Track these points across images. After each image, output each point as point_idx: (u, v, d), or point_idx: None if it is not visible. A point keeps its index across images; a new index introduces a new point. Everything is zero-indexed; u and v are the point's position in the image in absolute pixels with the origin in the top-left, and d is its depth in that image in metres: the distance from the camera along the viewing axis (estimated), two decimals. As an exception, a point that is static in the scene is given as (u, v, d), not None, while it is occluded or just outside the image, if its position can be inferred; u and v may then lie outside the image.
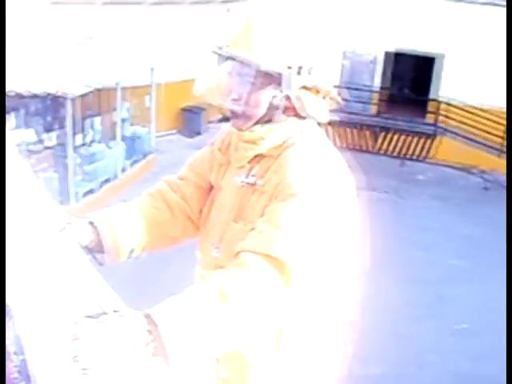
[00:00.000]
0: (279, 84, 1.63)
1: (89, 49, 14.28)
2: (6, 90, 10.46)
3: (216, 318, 1.34)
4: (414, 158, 18.15)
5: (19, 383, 1.83)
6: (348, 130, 18.72)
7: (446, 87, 17.40)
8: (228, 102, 1.69)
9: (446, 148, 17.28)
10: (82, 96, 12.89)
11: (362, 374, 8.67)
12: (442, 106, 17.49)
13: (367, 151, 18.52)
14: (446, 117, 17.35)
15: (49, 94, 11.71)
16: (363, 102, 18.63)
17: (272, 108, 1.66)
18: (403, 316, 10.09)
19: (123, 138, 14.19)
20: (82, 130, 13.71)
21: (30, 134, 12.01)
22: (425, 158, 18.04)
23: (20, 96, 11.52)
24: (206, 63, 1.79)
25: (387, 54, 18.56)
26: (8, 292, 2.03)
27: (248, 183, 1.71)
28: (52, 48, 13.67)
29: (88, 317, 1.21)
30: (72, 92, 11.78)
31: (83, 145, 13.52)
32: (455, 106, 17.00)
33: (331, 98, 1.76)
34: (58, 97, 12.32)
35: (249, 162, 1.74)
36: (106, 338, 1.22)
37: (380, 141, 18.50)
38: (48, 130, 12.95)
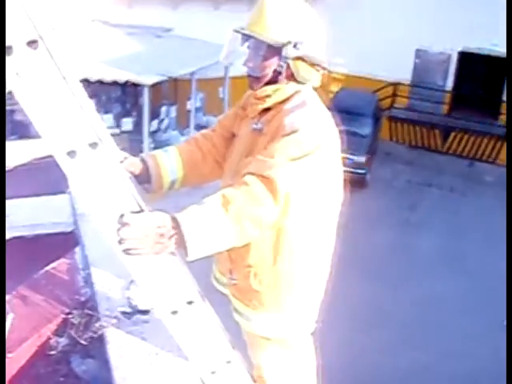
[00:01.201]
0: (281, 55, 2.11)
1: (167, 41, 15.04)
2: (89, 76, 11.27)
3: (220, 219, 1.83)
4: (484, 159, 18.01)
5: (84, 290, 2.38)
6: (418, 128, 18.76)
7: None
8: (246, 68, 2.20)
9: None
10: (159, 85, 13.60)
11: (411, 359, 9.03)
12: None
13: (436, 151, 18.52)
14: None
15: (127, 82, 12.43)
16: (435, 102, 18.63)
17: (276, 73, 2.17)
18: (454, 308, 10.31)
19: (196, 127, 14.80)
20: (158, 117, 14.48)
21: (107, 119, 12.77)
22: (494, 159, 17.86)
23: (101, 82, 12.29)
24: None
25: (461, 54, 18.47)
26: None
27: (256, 129, 2.22)
28: (133, 39, 14.50)
29: (131, 212, 1.73)
30: (149, 81, 12.46)
31: (158, 131, 14.27)
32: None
33: (323, 68, 2.22)
34: (137, 85, 13.10)
35: (259, 114, 2.25)
36: (143, 227, 1.72)
37: (450, 141, 18.44)
38: (126, 115, 13.79)
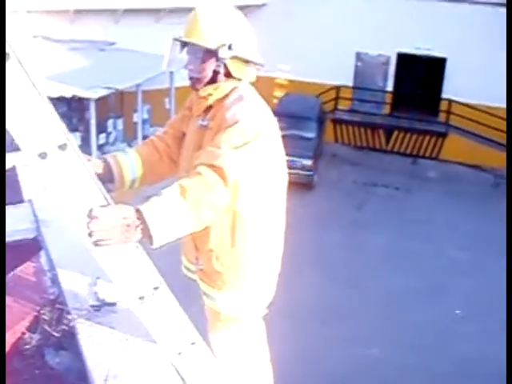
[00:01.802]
0: (217, 57, 2.32)
1: (111, 54, 15.08)
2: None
3: (179, 206, 2.04)
4: (427, 156, 18.62)
5: (52, 289, 2.51)
6: (362, 129, 19.27)
7: (454, 87, 17.92)
8: (187, 71, 2.41)
9: (457, 146, 17.74)
10: (105, 98, 13.65)
11: (363, 354, 9.32)
12: (453, 105, 17.96)
13: (380, 150, 19.05)
14: (457, 115, 17.77)
15: (74, 97, 12.44)
16: (376, 103, 19.19)
17: (215, 73, 2.42)
18: (404, 302, 10.68)
19: (144, 138, 14.86)
20: (105, 130, 14.52)
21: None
22: (437, 156, 18.51)
23: (48, 98, 12.25)
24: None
25: (399, 56, 19.08)
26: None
27: (203, 125, 2.46)
28: (76, 54, 14.49)
29: (100, 206, 1.88)
30: (95, 95, 12.51)
31: (106, 144, 14.33)
32: (465, 105, 17.44)
33: (256, 64, 2.44)
34: (82, 99, 13.12)
35: (203, 111, 2.49)
36: (111, 219, 1.89)
37: (393, 140, 19.00)
38: (73, 130, 13.77)
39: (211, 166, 2.13)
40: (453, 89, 18.20)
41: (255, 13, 20.00)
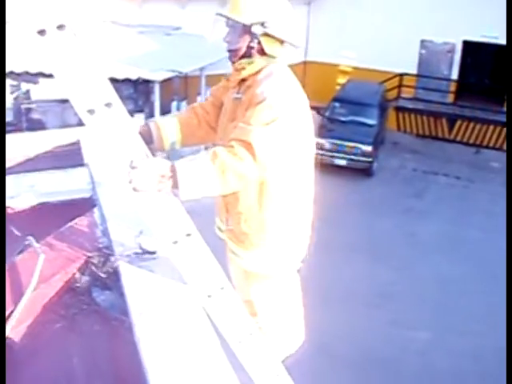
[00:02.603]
0: (251, 32, 2.55)
1: (176, 39, 15.51)
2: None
3: (207, 169, 2.29)
4: (490, 146, 18.31)
5: (102, 239, 2.82)
6: (424, 118, 19.10)
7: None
8: (226, 44, 2.68)
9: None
10: (169, 81, 14.07)
11: (410, 337, 9.42)
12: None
13: (443, 139, 18.85)
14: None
15: (139, 79, 12.90)
16: (440, 91, 18.97)
17: (250, 48, 2.64)
18: (456, 289, 10.66)
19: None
20: (169, 112, 14.94)
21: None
22: (501, 146, 18.16)
23: (114, 80, 12.75)
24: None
25: (465, 44, 18.78)
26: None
27: (237, 98, 2.70)
28: (143, 38, 14.97)
29: (140, 158, 2.16)
30: (159, 77, 12.93)
31: (169, 126, 14.75)
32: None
33: (291, 44, 2.65)
34: (148, 81, 13.58)
35: (238, 84, 2.72)
36: (148, 169, 2.15)
37: (456, 129, 18.76)
38: (138, 111, 14.27)
39: (242, 142, 2.36)
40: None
41: (322, 1, 20.09)
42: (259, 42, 2.61)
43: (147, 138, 2.67)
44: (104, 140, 2.09)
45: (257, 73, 2.64)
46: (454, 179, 15.98)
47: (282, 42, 2.63)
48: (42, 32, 1.88)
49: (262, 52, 2.63)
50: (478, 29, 17.93)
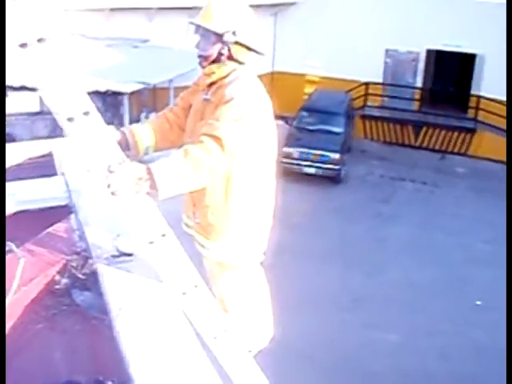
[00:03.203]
0: (222, 40, 2.73)
1: (145, 51, 15.61)
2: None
3: (182, 166, 2.45)
4: (455, 152, 18.73)
5: (79, 243, 2.92)
6: (391, 125, 19.47)
7: (486, 84, 17.99)
8: (197, 50, 2.85)
9: (486, 142, 17.83)
10: (138, 93, 14.16)
11: (381, 339, 9.61)
12: (482, 101, 18.04)
13: (409, 146, 19.23)
14: (487, 111, 17.84)
15: (108, 91, 12.97)
16: (406, 99, 19.36)
17: (220, 54, 2.82)
18: (425, 292, 10.91)
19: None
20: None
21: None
22: (465, 152, 18.60)
23: (83, 93, 12.79)
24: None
25: (429, 52, 19.22)
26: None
27: (206, 98, 2.88)
28: (111, 51, 15.04)
29: (117, 162, 2.28)
30: (128, 89, 13.03)
31: (139, 137, 14.82)
32: (495, 101, 17.49)
33: (257, 52, 2.82)
34: (117, 94, 13.65)
35: (207, 87, 2.91)
36: (125, 173, 2.28)
37: (422, 136, 19.16)
38: (108, 124, 14.28)
39: (211, 136, 2.54)
40: (483, 85, 18.30)
41: (287, 10, 20.38)
42: (229, 49, 2.78)
43: (123, 144, 2.80)
44: (82, 146, 2.21)
45: (225, 76, 2.82)
46: (420, 184, 16.32)
47: (249, 49, 2.81)
48: (23, 45, 2.00)
49: (230, 58, 2.81)
50: (441, 38, 18.38)
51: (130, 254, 2.75)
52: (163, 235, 2.40)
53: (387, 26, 18.67)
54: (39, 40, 2.02)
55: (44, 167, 4.17)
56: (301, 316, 9.70)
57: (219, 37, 2.76)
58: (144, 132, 2.94)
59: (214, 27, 2.74)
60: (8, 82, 11.64)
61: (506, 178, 10.29)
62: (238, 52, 2.80)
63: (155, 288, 2.57)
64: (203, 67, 2.86)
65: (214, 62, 2.82)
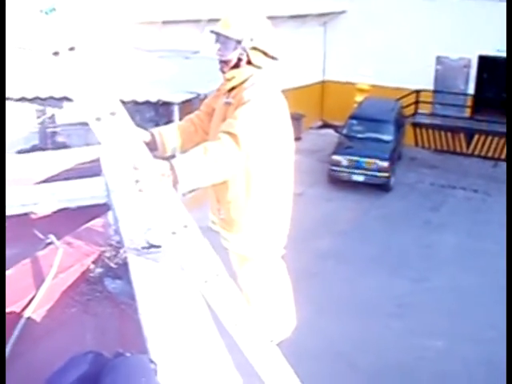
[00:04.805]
0: (241, 46, 2.94)
1: (195, 62, 15.97)
2: (123, 97, 12.19)
3: (201, 161, 2.66)
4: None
5: (114, 237, 3.16)
6: (442, 133, 19.30)
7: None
8: (218, 56, 3.06)
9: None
10: (189, 102, 14.49)
11: (427, 346, 9.58)
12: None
13: (461, 153, 19.01)
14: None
15: (159, 101, 13.34)
16: (457, 106, 19.17)
17: (239, 60, 3.02)
18: (471, 299, 10.80)
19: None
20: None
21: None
22: (519, 159, 18.23)
23: (135, 103, 13.22)
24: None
25: (481, 58, 18.99)
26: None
27: (227, 102, 3.09)
28: (164, 62, 15.47)
29: (142, 160, 2.49)
30: (178, 99, 13.38)
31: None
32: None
33: (273, 56, 3.01)
34: (169, 104, 14.02)
35: (228, 91, 3.11)
36: (151, 170, 2.49)
37: (474, 143, 18.91)
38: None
39: (228, 133, 2.75)
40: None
41: (336, 20, 20.50)
42: (247, 55, 2.98)
43: (152, 144, 3.02)
44: (109, 144, 2.44)
45: (244, 81, 3.04)
46: (471, 192, 16.12)
47: (265, 54, 3.00)
48: (56, 53, 2.24)
49: (249, 62, 3.02)
50: (493, 43, 18.14)
51: (158, 246, 2.96)
52: (185, 226, 2.60)
53: (437, 32, 18.56)
54: (70, 49, 2.25)
55: (92, 170, 4.46)
56: (346, 322, 9.79)
57: (238, 43, 2.97)
58: (171, 134, 3.17)
59: (232, 34, 2.96)
60: (62, 94, 12.17)
61: (506, 178, 10.10)
62: (255, 57, 3.01)
63: (179, 276, 2.77)
64: (224, 72, 3.07)
65: (234, 67, 3.03)
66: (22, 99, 12.48)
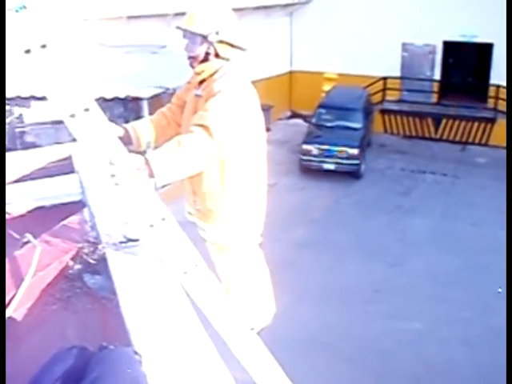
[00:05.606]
0: (207, 40, 2.96)
1: (163, 57, 15.89)
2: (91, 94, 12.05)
3: (175, 154, 2.70)
4: (476, 142, 18.72)
5: (91, 233, 3.17)
6: (410, 119, 19.52)
7: (503, 73, 17.90)
8: (186, 53, 3.09)
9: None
10: (158, 97, 14.43)
11: (405, 329, 9.74)
12: (502, 90, 17.99)
13: (429, 138, 19.27)
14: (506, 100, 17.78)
15: (127, 97, 13.28)
16: (424, 92, 19.41)
17: (207, 54, 3.08)
18: (447, 281, 11.00)
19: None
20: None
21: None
22: (486, 142, 18.57)
23: (104, 99, 13.12)
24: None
25: (445, 44, 19.23)
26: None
27: (197, 94, 3.16)
28: (130, 57, 15.37)
29: (117, 155, 2.51)
30: (147, 94, 13.33)
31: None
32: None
33: (240, 47, 3.06)
34: (137, 99, 13.95)
35: (198, 84, 3.18)
36: (126, 164, 2.52)
37: (442, 128, 19.17)
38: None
39: (200, 126, 2.80)
40: (502, 74, 18.23)
41: (301, 9, 20.56)
42: (214, 48, 3.02)
43: (126, 139, 3.04)
44: (84, 140, 2.45)
45: (213, 73, 3.09)
46: (441, 176, 16.38)
47: (232, 46, 3.04)
48: (27, 51, 2.24)
49: (217, 55, 3.06)
50: (457, 29, 18.39)
51: (136, 240, 2.98)
52: (163, 219, 2.63)
53: (402, 19, 18.75)
54: (42, 46, 2.26)
55: (63, 168, 4.44)
56: (322, 308, 9.90)
57: (204, 38, 3.01)
58: (145, 128, 3.20)
59: (198, 29, 3.00)
60: (29, 93, 12.03)
61: (506, 178, 10.30)
62: (222, 50, 3.07)
63: (158, 269, 2.79)
64: (193, 67, 3.10)
65: (202, 61, 3.08)
66: (-12, 100, 12.29)
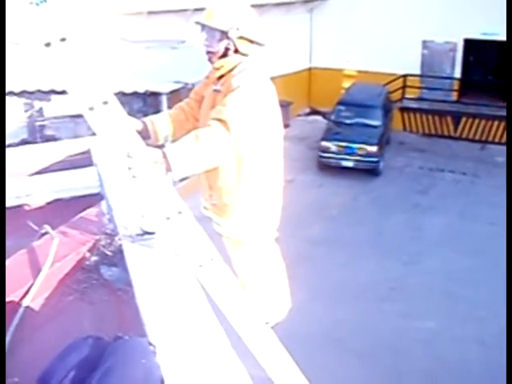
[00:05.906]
0: (227, 36, 2.96)
1: (182, 52, 15.94)
2: (115, 89, 12.17)
3: (193, 148, 2.71)
4: (496, 141, 18.54)
5: (108, 225, 3.21)
6: (430, 117, 19.39)
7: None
8: (205, 48, 3.10)
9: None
10: (177, 92, 14.48)
11: (419, 328, 9.71)
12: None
13: (449, 137, 19.12)
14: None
15: (147, 91, 13.34)
16: (444, 90, 19.26)
17: (226, 49, 3.08)
18: (462, 280, 10.93)
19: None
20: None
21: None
22: (506, 141, 18.36)
23: (123, 94, 13.20)
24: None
25: (466, 42, 19.06)
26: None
27: (216, 89, 3.16)
28: (150, 53, 15.44)
29: (135, 148, 2.53)
30: (166, 88, 13.38)
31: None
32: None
33: (259, 43, 3.06)
34: (157, 94, 14.01)
35: (217, 79, 3.18)
36: (144, 157, 2.54)
37: (461, 126, 19.02)
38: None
39: (218, 120, 2.81)
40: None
41: (322, 6, 20.50)
42: (234, 44, 3.04)
43: (144, 133, 3.07)
44: (102, 133, 2.47)
45: (232, 69, 3.10)
46: (459, 175, 16.25)
47: (251, 41, 3.05)
48: (48, 44, 2.27)
49: (236, 51, 3.07)
50: (479, 27, 18.21)
51: (152, 233, 3.00)
52: (179, 212, 2.65)
53: (423, 17, 18.61)
54: (62, 39, 2.28)
55: (83, 162, 4.48)
56: (337, 304, 9.90)
57: (224, 33, 3.02)
58: (163, 122, 3.22)
59: (218, 25, 3.01)
60: (50, 87, 12.14)
61: (506, 177, 10.22)
62: (242, 45, 3.07)
63: (174, 261, 2.82)
64: (212, 62, 3.11)
65: (221, 56, 3.08)
66: (10, 93, 12.43)
